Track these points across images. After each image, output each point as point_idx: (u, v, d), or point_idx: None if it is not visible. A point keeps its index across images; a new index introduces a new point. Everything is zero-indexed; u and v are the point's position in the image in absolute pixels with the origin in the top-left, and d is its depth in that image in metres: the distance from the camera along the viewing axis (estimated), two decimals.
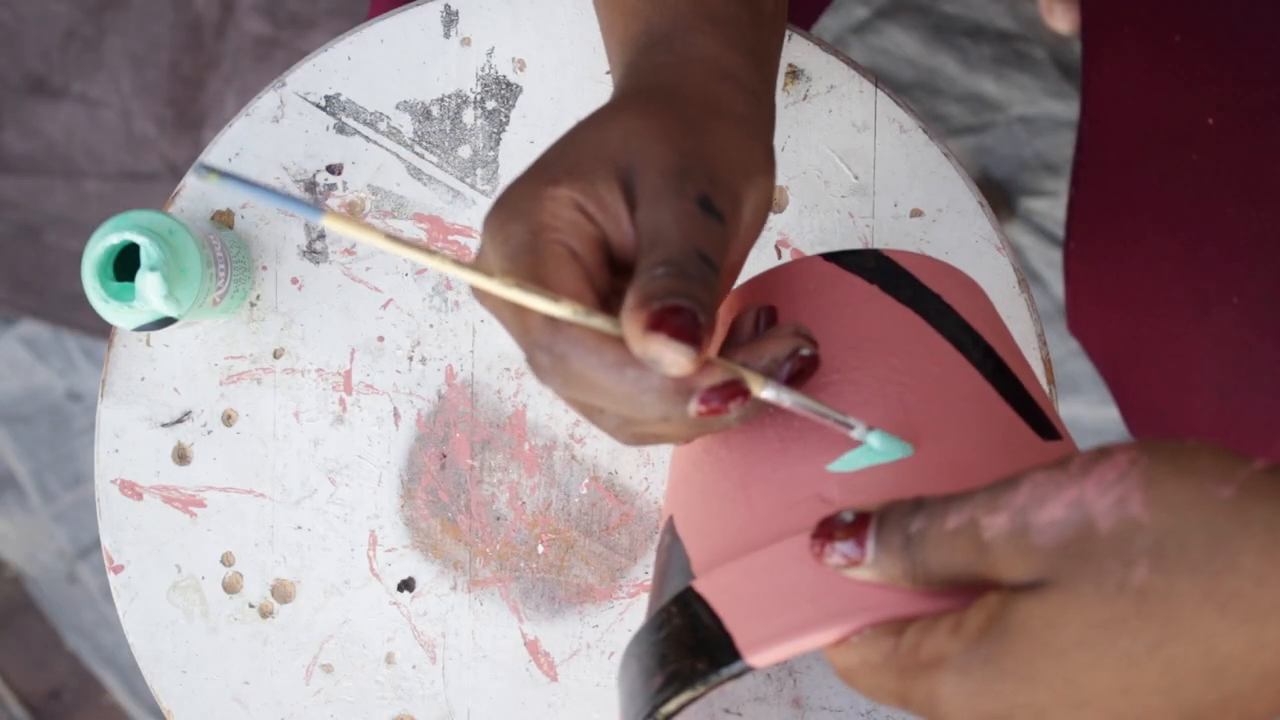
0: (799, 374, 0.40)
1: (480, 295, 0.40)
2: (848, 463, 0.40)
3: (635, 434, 0.41)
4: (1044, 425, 0.43)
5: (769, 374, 0.39)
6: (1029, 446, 0.41)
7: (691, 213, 0.39)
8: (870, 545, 0.36)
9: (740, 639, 0.36)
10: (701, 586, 0.39)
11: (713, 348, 0.41)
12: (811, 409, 0.39)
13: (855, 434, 0.40)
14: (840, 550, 0.36)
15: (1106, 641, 0.32)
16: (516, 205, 0.39)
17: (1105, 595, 0.32)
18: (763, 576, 0.38)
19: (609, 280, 0.40)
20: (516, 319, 0.39)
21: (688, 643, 0.38)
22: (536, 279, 0.38)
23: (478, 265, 0.40)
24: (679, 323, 0.36)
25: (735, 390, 0.38)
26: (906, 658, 0.35)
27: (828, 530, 0.37)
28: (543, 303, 0.38)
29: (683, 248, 0.38)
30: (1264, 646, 0.31)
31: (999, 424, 0.42)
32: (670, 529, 0.44)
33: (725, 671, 0.36)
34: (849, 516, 0.37)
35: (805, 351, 0.40)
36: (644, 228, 0.39)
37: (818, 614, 0.36)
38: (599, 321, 0.38)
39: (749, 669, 0.36)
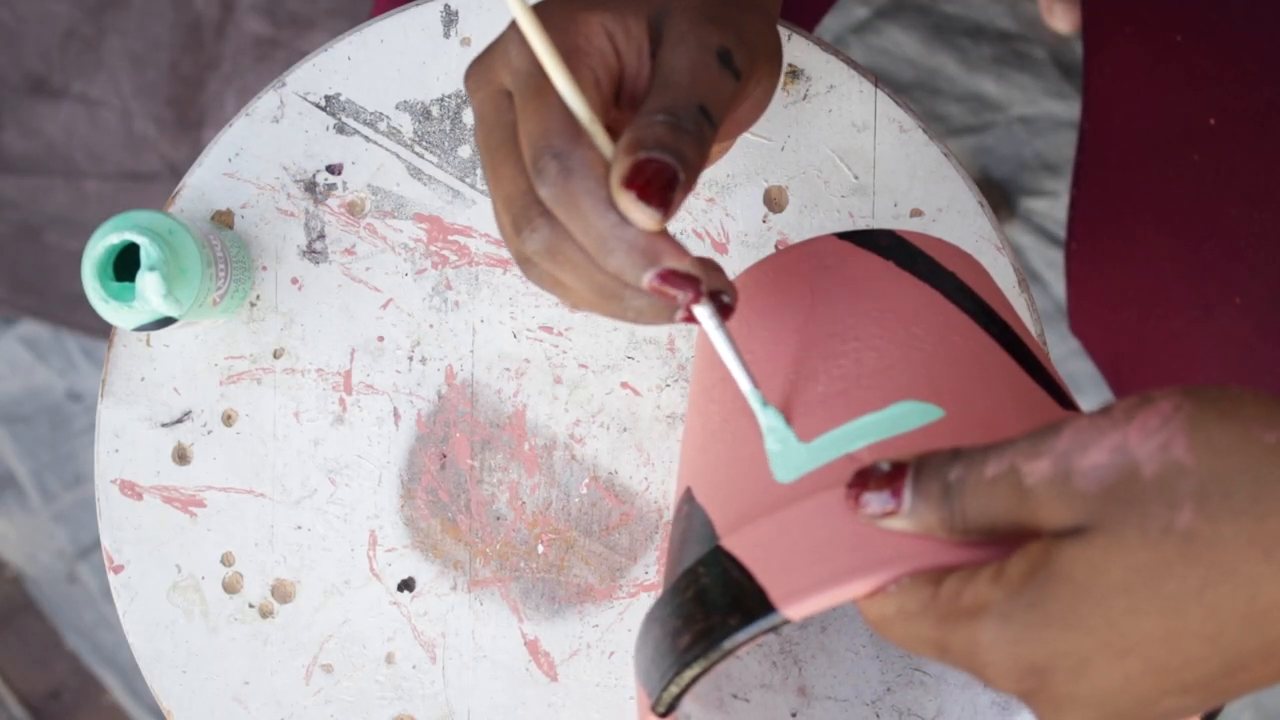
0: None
1: (488, 75, 0.41)
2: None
3: (545, 271, 0.41)
4: (1062, 397, 0.43)
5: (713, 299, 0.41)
6: (1051, 414, 0.41)
7: (708, 62, 0.40)
8: (907, 494, 0.36)
9: (774, 592, 0.36)
10: (730, 544, 0.38)
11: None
12: (729, 346, 0.41)
13: (751, 396, 0.41)
14: (876, 500, 0.36)
15: (1151, 586, 0.32)
16: (550, 21, 0.40)
17: (1150, 539, 0.32)
18: (795, 530, 0.37)
19: (611, 117, 0.41)
20: (536, 115, 0.40)
21: (717, 601, 0.37)
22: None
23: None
24: (655, 175, 0.38)
25: (690, 284, 0.39)
26: (946, 606, 0.35)
27: (863, 480, 0.37)
28: (580, 104, 0.39)
29: (688, 96, 0.39)
30: None
31: (1021, 392, 0.42)
32: (689, 499, 0.43)
33: (761, 624, 0.35)
34: (885, 466, 0.37)
35: (726, 299, 0.41)
36: (659, 66, 0.40)
37: (854, 563, 0.36)
38: (606, 145, 0.39)
39: (785, 621, 0.36)
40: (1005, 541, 0.35)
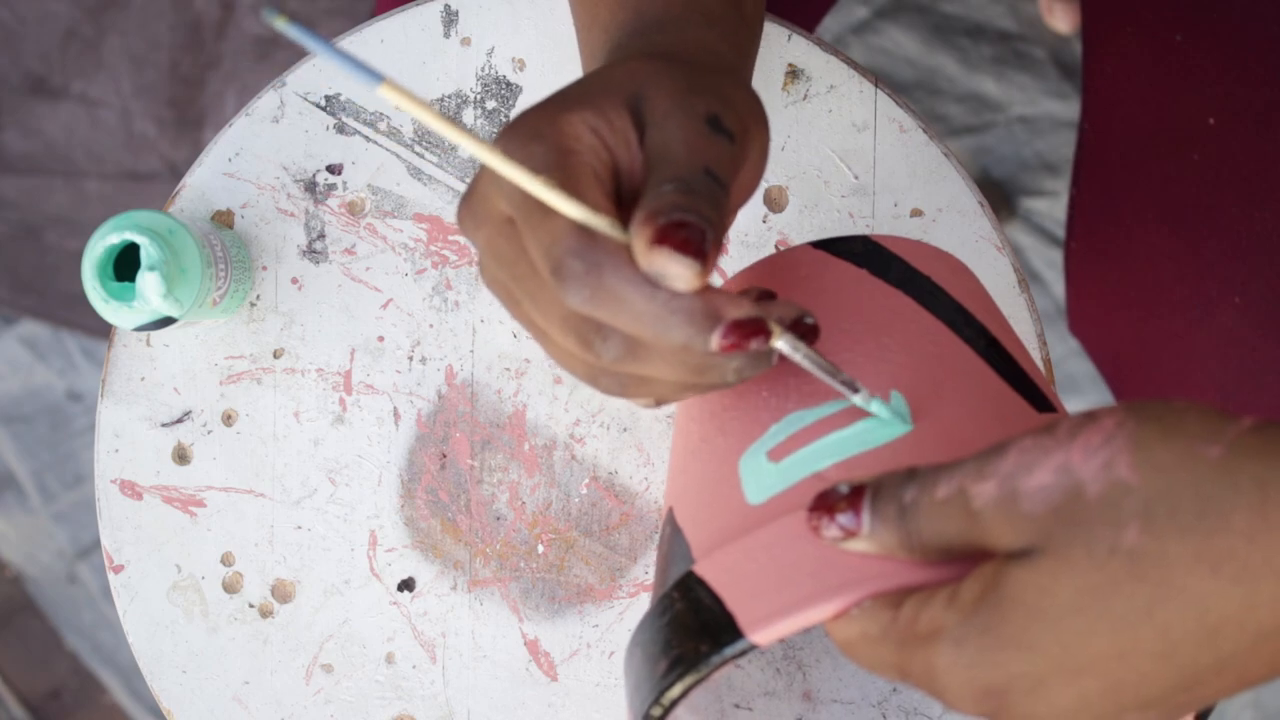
0: (801, 339, 0.40)
1: (483, 209, 0.39)
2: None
3: (628, 376, 0.40)
4: (1039, 399, 0.43)
5: (782, 324, 0.39)
6: (1024, 419, 0.41)
7: (700, 130, 0.39)
8: (866, 516, 0.36)
9: (742, 618, 0.36)
10: (701, 569, 0.39)
11: None
12: (820, 365, 0.40)
13: (858, 399, 0.40)
14: (837, 523, 0.36)
15: (1100, 606, 0.32)
16: (535, 127, 0.39)
17: (1096, 560, 0.32)
18: (761, 555, 0.38)
19: (617, 211, 0.40)
20: (543, 227, 0.38)
21: (690, 626, 0.37)
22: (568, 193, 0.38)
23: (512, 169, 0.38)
24: (684, 236, 0.36)
25: (758, 328, 0.38)
26: (904, 630, 0.35)
27: (824, 504, 0.37)
28: (581, 211, 0.37)
29: (690, 164, 0.38)
30: (1258, 606, 0.31)
31: (994, 398, 0.42)
32: (670, 520, 0.44)
33: (728, 651, 0.36)
34: (845, 489, 0.37)
35: (809, 320, 0.40)
36: (652, 147, 0.39)
37: (817, 588, 0.36)
38: (625, 235, 0.37)
39: (752, 647, 0.36)
40: (967, 560, 0.35)
